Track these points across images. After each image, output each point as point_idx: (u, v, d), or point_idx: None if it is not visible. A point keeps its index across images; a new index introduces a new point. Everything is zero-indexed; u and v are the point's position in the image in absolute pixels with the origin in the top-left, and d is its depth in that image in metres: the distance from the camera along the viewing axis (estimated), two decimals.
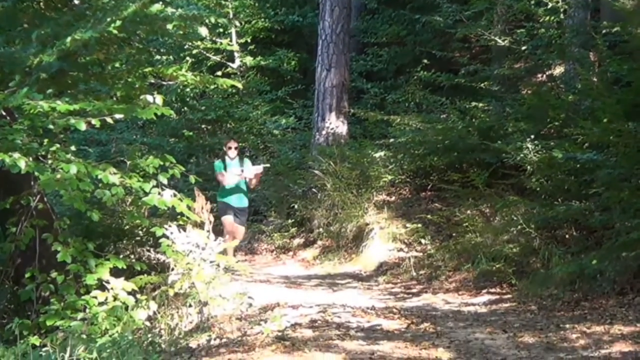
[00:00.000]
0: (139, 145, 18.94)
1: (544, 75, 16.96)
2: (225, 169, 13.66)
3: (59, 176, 8.42)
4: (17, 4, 9.88)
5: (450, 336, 8.54)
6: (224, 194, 13.75)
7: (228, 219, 13.60)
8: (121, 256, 9.40)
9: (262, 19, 23.98)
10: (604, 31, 13.66)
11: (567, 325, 8.77)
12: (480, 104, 16.29)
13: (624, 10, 13.28)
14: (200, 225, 9.35)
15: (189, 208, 9.30)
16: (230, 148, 13.82)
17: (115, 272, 8.95)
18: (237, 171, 13.67)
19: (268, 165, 14.79)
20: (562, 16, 15.91)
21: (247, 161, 14.11)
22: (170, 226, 9.16)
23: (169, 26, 10.93)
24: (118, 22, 9.05)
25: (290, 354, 7.47)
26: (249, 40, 23.83)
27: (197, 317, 8.88)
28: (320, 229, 17.27)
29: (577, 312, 9.56)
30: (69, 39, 8.74)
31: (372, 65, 22.41)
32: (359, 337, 8.31)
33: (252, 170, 13.79)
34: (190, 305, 8.89)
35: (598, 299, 9.89)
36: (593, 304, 9.78)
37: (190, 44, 21.28)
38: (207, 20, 11.29)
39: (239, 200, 13.81)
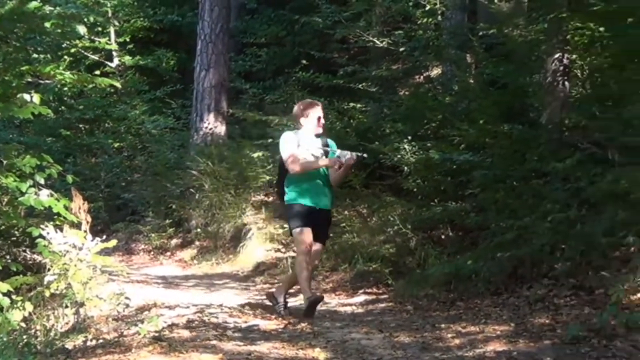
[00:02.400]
0: (16, 144, 18.45)
1: (422, 77, 17.09)
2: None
3: None
4: None
5: (327, 336, 8.44)
6: (296, 189, 9.61)
7: (307, 232, 9.47)
8: None
9: (141, 18, 23.91)
10: (480, 33, 13.82)
11: (443, 325, 8.74)
12: (358, 105, 16.30)
13: (500, 12, 13.44)
14: (77, 226, 8.99)
15: (66, 208, 8.98)
16: (318, 119, 9.69)
17: None
18: (321, 152, 9.70)
19: (365, 155, 10.06)
20: (439, 18, 16.09)
21: (333, 144, 9.91)
22: (46, 226, 8.77)
23: (47, 24, 11.03)
24: None
25: (167, 355, 7.31)
26: (127, 40, 23.70)
27: (73, 318, 8.54)
28: (198, 230, 17.17)
29: (453, 312, 9.56)
30: None
31: (251, 66, 22.37)
32: (236, 337, 8.20)
33: (348, 156, 9.54)
34: (66, 306, 8.52)
35: (473, 299, 9.90)
36: (468, 304, 9.79)
37: (68, 42, 20.93)
38: (85, 19, 11.14)
39: (322, 199, 9.64)
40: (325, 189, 9.61)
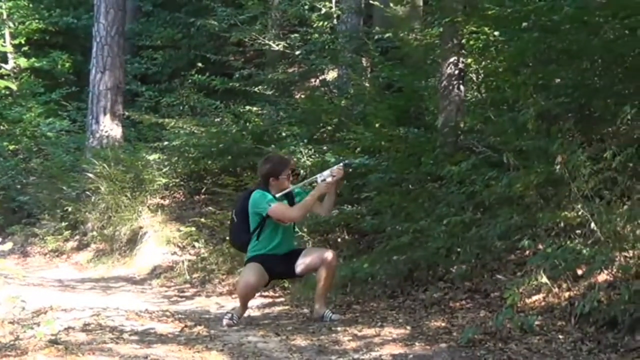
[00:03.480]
0: None
1: (318, 80, 17.10)
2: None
3: None
4: None
5: (224, 339, 8.28)
6: (263, 245, 8.86)
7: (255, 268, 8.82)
8: None
9: (36, 20, 23.61)
10: (376, 37, 13.92)
11: (339, 328, 8.59)
12: (254, 108, 16.27)
13: (396, 16, 13.49)
14: None
15: None
16: (288, 177, 8.92)
17: None
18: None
19: (348, 161, 9.60)
20: (335, 22, 16.17)
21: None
22: None
23: None
24: None
25: (63, 358, 7.09)
26: (23, 42, 23.35)
27: None
28: (94, 232, 16.87)
29: (349, 315, 9.39)
30: None
31: (147, 68, 22.18)
32: (132, 340, 7.99)
33: (336, 171, 8.72)
34: None
35: (369, 302, 9.80)
36: (364, 307, 9.67)
37: None
38: None
39: (287, 245, 9.05)
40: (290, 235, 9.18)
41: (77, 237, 17.64)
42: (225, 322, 8.78)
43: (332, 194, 8.67)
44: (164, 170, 16.50)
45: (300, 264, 8.77)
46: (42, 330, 7.75)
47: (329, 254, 8.75)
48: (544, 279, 7.69)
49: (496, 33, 10.49)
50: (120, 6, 19.18)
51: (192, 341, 8.01)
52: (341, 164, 8.57)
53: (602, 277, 7.28)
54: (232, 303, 11.05)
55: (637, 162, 7.97)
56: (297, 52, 16.45)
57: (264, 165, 8.81)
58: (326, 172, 8.47)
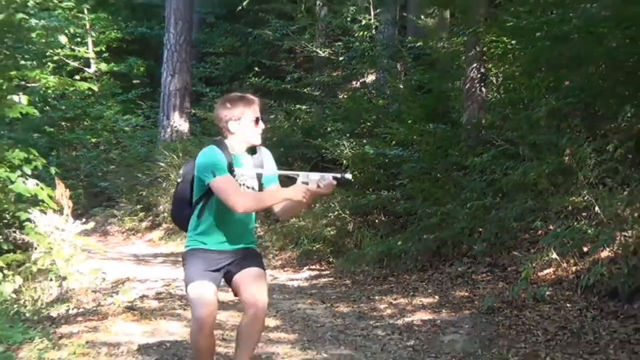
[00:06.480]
0: (6, 140, 18.16)
1: (358, 82, 17.04)
2: (232, 170, 4.74)
3: None
4: None
5: (277, 307, 8.38)
6: (207, 231, 4.88)
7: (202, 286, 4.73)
8: None
9: (115, 30, 23.73)
10: (409, 45, 13.79)
11: (377, 297, 8.70)
12: (304, 107, 16.19)
13: (426, 27, 13.42)
14: (60, 210, 8.99)
15: (50, 196, 8.98)
16: (256, 121, 4.88)
17: None
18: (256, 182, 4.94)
19: (348, 175, 4.81)
20: (373, 32, 16.08)
21: (268, 156, 5.03)
22: (33, 211, 8.86)
23: (33, 35, 11.07)
24: None
25: (138, 322, 7.30)
26: (103, 49, 23.46)
27: (57, 290, 8.53)
28: (165, 214, 16.86)
29: (385, 286, 9.47)
30: None
31: (211, 72, 22.17)
32: None
33: (327, 181, 4.71)
34: (51, 280, 8.57)
35: (403, 275, 9.83)
36: (399, 279, 9.71)
37: (51, 51, 20.46)
38: (66, 31, 11.07)
39: (240, 238, 4.95)
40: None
41: (150, 217, 17.76)
42: None
43: (304, 205, 4.81)
44: None
45: (234, 285, 4.86)
46: (120, 298, 8.11)
47: (264, 302, 4.72)
48: (554, 255, 7.72)
49: (513, 42, 10.51)
50: (187, 18, 19.34)
51: None
52: (339, 175, 4.76)
53: (605, 253, 7.27)
54: (284, 275, 11.15)
55: (636, 154, 7.99)
56: (341, 58, 16.40)
57: (221, 105, 4.90)
58: (313, 176, 4.73)
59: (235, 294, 4.93)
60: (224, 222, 4.80)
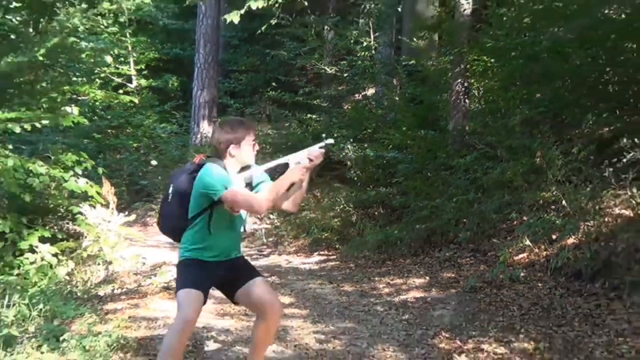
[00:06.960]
0: (61, 144, 18.20)
1: (360, 95, 16.95)
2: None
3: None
4: None
5: (291, 286, 8.50)
6: (202, 244, 4.50)
7: (193, 293, 4.43)
8: (47, 227, 9.02)
9: (153, 51, 23.66)
10: (403, 63, 13.75)
11: (376, 278, 8.76)
12: (314, 116, 16.14)
13: (418, 48, 13.40)
14: (106, 205, 9.19)
15: (98, 193, 9.08)
16: (253, 145, 4.56)
17: (43, 240, 8.56)
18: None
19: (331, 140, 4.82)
20: (373, 52, 16.06)
21: (254, 166, 4.68)
22: (84, 205, 9.05)
23: (83, 55, 11.22)
24: (42, 51, 9.15)
25: (173, 300, 7.23)
26: (143, 67, 23.39)
27: (104, 273, 8.68)
28: None
29: (383, 268, 9.50)
30: (3, 62, 8.82)
31: (235, 87, 22.11)
32: None
33: (316, 152, 4.61)
34: (99, 264, 8.74)
35: (398, 259, 9.85)
36: (395, 263, 9.73)
37: (99, 69, 20.47)
38: (111, 52, 11.11)
39: (233, 249, 4.65)
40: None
41: None
42: None
43: (304, 184, 4.60)
44: None
45: (243, 295, 4.63)
46: (158, 280, 8.27)
47: (279, 305, 4.67)
48: (527, 242, 7.73)
49: (492, 60, 10.52)
50: (214, 41, 19.34)
51: None
52: (322, 144, 4.66)
53: (571, 240, 7.26)
54: (297, 259, 11.15)
55: (597, 155, 7.98)
56: (345, 75, 16.34)
57: (222, 129, 4.55)
58: (300, 154, 4.60)
59: (237, 303, 4.72)
60: (221, 235, 4.48)
